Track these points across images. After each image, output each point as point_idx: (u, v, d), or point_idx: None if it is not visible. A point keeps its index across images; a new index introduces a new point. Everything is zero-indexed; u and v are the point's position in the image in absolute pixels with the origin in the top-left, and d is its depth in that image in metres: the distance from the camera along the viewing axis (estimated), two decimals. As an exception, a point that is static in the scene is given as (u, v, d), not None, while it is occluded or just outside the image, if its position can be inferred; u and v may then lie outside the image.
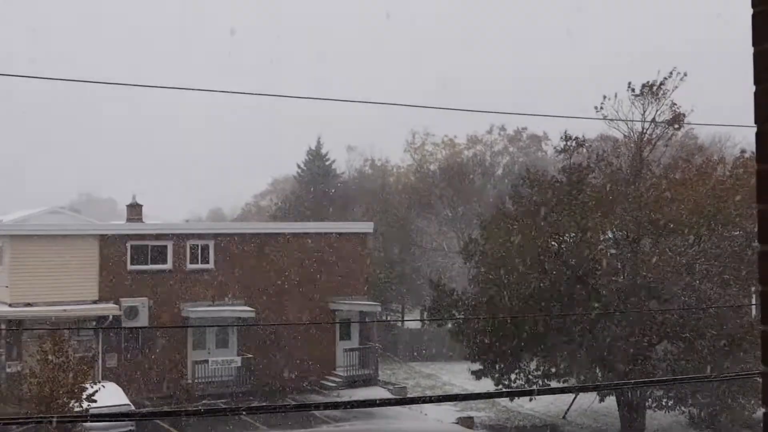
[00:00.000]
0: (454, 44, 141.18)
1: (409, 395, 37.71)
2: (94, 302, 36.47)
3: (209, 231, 40.35)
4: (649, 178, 30.58)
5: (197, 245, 38.75)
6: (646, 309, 27.50)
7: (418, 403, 8.55)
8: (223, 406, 34.86)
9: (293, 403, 37.85)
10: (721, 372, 25.35)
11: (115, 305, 36.30)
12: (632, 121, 32.59)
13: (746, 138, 56.22)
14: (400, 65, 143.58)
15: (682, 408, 29.41)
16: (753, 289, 28.29)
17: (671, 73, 31.70)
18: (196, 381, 37.20)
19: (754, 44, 2.53)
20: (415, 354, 49.66)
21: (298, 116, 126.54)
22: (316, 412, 33.53)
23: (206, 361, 37.50)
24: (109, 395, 27.79)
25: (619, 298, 27.84)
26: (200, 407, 33.29)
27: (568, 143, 31.58)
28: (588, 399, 33.89)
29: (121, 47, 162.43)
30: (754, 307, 28.05)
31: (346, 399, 36.78)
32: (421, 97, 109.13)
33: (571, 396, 34.88)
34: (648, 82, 31.95)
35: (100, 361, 35.92)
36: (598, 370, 29.13)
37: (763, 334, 2.61)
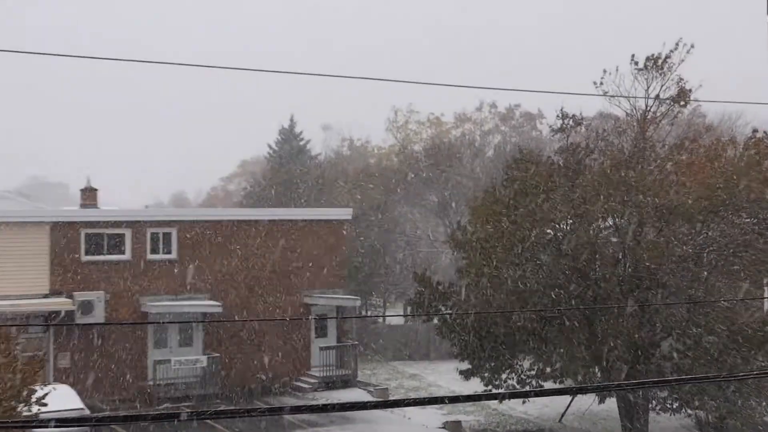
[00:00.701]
0: (443, 14, 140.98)
1: (391, 397, 37.80)
2: (45, 296, 36.28)
3: (172, 218, 40.19)
4: (653, 160, 30.64)
5: (158, 233, 38.61)
6: (649, 303, 27.60)
7: (400, 406, 8.58)
8: (187, 410, 34.77)
9: (264, 406, 37.82)
10: (731, 371, 25.51)
11: (67, 299, 36.13)
12: (635, 97, 32.66)
13: (758, 116, 56.48)
14: (381, 38, 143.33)
15: (688, 410, 29.58)
16: (765, 281, 28.45)
17: (677, 44, 31.75)
18: (157, 382, 37.12)
19: (768, 12, 2.52)
20: (398, 352, 49.74)
21: (269, 92, 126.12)
22: (289, 417, 33.54)
23: (168, 361, 37.43)
24: (61, 398, 27.66)
25: (620, 291, 27.93)
26: (162, 411, 33.22)
27: (565, 122, 31.59)
28: (586, 401, 34.04)
29: (75, 16, 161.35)
30: (767, 300, 28.22)
31: (321, 402, 36.79)
32: (405, 72, 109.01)
33: (568, 398, 35.03)
34: (652, 54, 32.00)
35: (51, 361, 35.78)
36: (597, 370, 29.23)
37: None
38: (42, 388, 25.00)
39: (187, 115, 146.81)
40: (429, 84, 14.74)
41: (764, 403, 27.47)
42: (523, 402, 35.84)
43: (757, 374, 23.43)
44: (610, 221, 30.35)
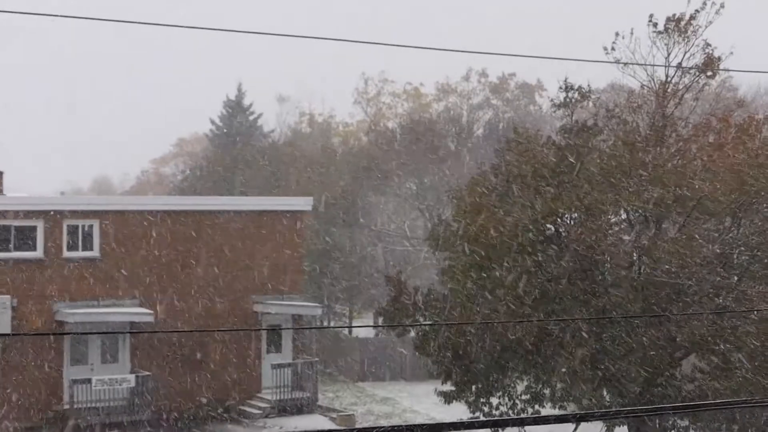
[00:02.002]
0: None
1: (357, 425, 37.79)
2: (-62, 302, 36.08)
3: (93, 207, 40.00)
4: (674, 142, 30.77)
5: (77, 226, 38.42)
6: (668, 313, 27.75)
7: (369, 435, 8.60)
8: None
9: (205, 435, 37.80)
10: (766, 395, 25.68)
11: (-35, 306, 35.93)
12: (653, 65, 32.73)
13: (800, 90, 56.87)
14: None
15: (714, 442, 29.78)
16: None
17: (705, 3, 31.85)
18: (75, 406, 36.96)
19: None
20: (367, 371, 49.77)
21: (213, 58, 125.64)
22: (235, 448, 33.56)
23: (89, 381, 37.26)
24: (-42, 426, 27.55)
25: (633, 299, 28.06)
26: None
27: (570, 95, 31.65)
28: (592, 430, 34.22)
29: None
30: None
31: (274, 430, 36.78)
32: (378, 34, 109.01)
33: (571, 426, 35.17)
34: (674, 15, 32.07)
35: (-55, 381, 35.58)
36: (605, 393, 29.37)
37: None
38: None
39: (112, 84, 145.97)
40: (405, 47, 14.71)
41: (805, 434, 27.70)
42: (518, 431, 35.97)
43: (796, 399, 23.63)
44: (622, 215, 30.44)
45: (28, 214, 37.81)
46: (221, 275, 40.45)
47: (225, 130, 71.82)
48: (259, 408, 39.96)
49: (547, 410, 30.36)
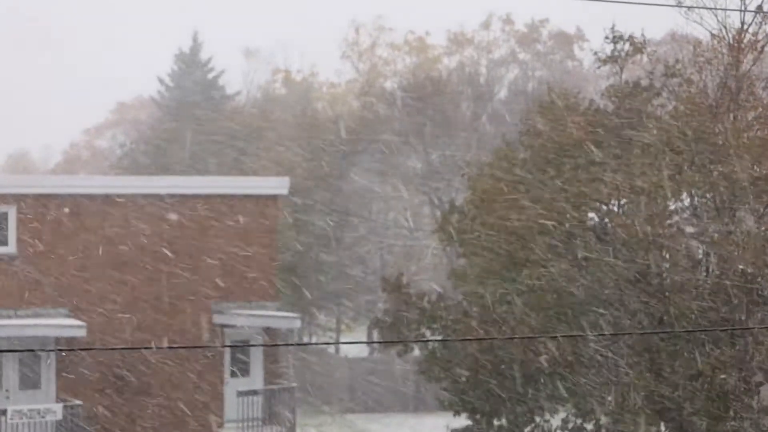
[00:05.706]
0: None
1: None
2: None
3: (8, 189, 40.00)
4: (751, 107, 30.81)
5: (-12, 214, 38.49)
6: (743, 326, 27.80)
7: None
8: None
9: (151, 481, 37.90)
10: None
11: None
12: (725, 9, 32.77)
13: None
14: None
15: (802, 490, 29.89)
16: None
17: (791, -71, 31.90)
18: (-15, 445, 37.10)
19: None
20: (358, 400, 49.87)
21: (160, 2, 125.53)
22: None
23: (3, 412, 37.35)
24: None
25: (699, 308, 28.12)
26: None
27: (618, 47, 31.71)
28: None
29: None
30: None
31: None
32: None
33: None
34: (751, -56, 32.14)
35: None
36: (663, 428, 29.47)
37: None
38: None
39: (33, 33, 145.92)
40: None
41: None
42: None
43: None
44: (685, 200, 30.49)
45: (-74, 199, 37.91)
46: (172, 277, 40.43)
47: (177, 92, 71.80)
48: (221, 447, 40.11)
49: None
